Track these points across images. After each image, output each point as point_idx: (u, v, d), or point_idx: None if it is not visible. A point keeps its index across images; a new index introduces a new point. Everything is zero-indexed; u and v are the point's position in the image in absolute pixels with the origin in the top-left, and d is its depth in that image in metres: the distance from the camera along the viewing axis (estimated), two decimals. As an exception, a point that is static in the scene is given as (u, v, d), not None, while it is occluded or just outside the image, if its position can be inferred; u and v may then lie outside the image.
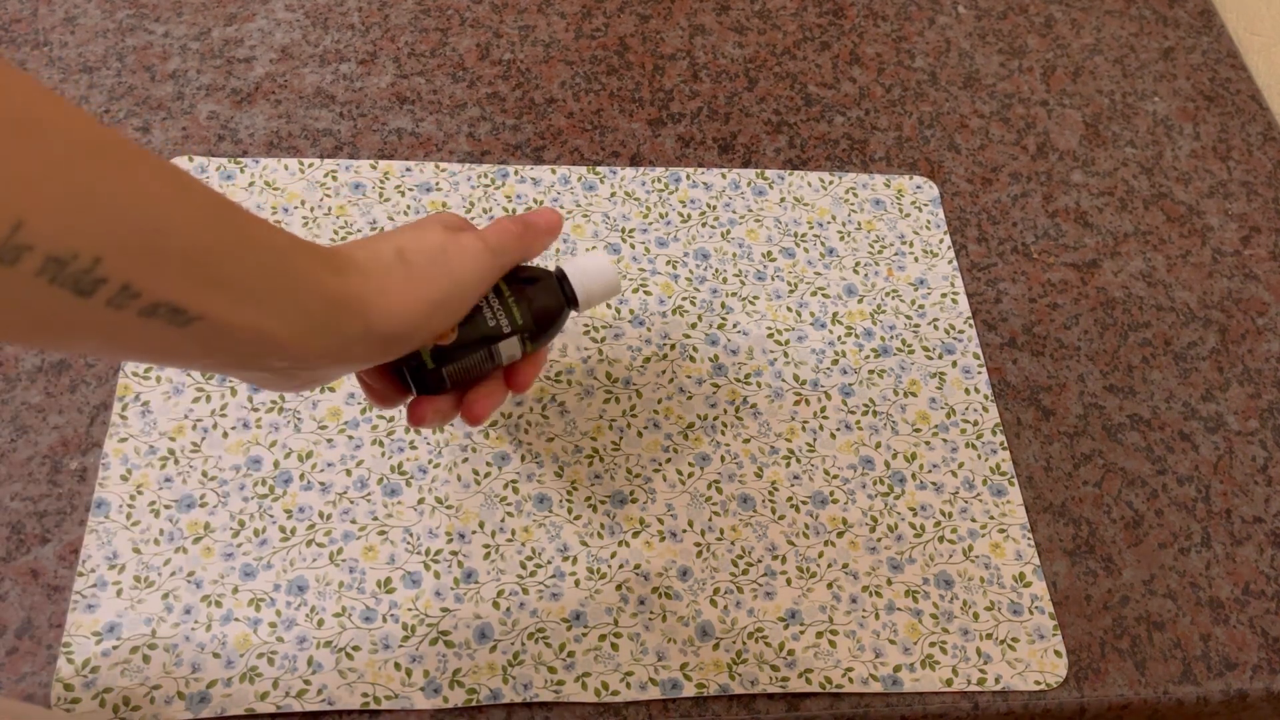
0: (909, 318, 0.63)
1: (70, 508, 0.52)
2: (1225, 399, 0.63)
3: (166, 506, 0.52)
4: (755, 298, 0.63)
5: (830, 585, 0.54)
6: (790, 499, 0.56)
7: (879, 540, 0.55)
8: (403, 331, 0.39)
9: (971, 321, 0.63)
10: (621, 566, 0.53)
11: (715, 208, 0.66)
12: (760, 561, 0.54)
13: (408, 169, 0.64)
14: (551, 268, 0.50)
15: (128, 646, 0.48)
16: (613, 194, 0.65)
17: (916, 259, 0.65)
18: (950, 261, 0.66)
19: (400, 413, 0.56)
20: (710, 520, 0.55)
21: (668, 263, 0.63)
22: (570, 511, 0.54)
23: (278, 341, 0.34)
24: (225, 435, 0.54)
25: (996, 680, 0.52)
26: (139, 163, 0.29)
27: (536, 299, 0.46)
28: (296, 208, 0.62)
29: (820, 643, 0.52)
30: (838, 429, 0.59)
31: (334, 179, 0.63)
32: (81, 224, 0.27)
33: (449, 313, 0.41)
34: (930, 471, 0.58)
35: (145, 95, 0.66)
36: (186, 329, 0.31)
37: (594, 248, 0.59)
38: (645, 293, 0.62)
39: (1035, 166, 0.71)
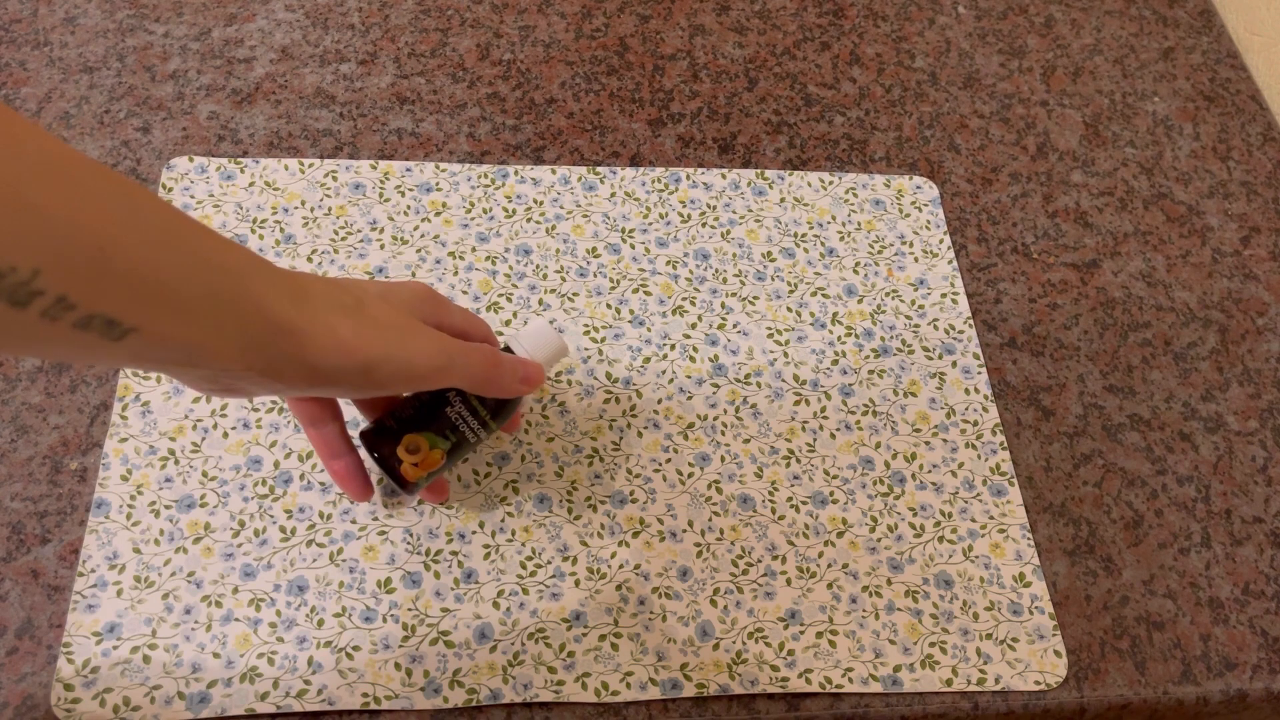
0: (909, 318, 0.63)
1: (70, 508, 0.52)
2: (1225, 399, 0.63)
3: (167, 506, 0.52)
4: (755, 298, 0.63)
5: (830, 585, 0.54)
6: (790, 499, 0.56)
7: (879, 540, 0.55)
8: (333, 373, 0.39)
9: (971, 321, 0.63)
10: (621, 566, 0.53)
11: (715, 208, 0.66)
12: (760, 561, 0.54)
13: (408, 169, 0.64)
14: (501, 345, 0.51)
15: (128, 646, 0.48)
16: (613, 194, 0.65)
17: (916, 259, 0.65)
18: (950, 261, 0.66)
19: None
20: (710, 520, 0.55)
21: (668, 263, 0.63)
22: (570, 511, 0.54)
23: (209, 354, 0.34)
24: (225, 435, 0.54)
25: (996, 680, 0.52)
26: (89, 178, 0.29)
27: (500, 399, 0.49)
28: (296, 208, 0.62)
29: (820, 643, 0.52)
30: (838, 429, 0.59)
31: (334, 179, 0.63)
32: (23, 238, 0.27)
33: (381, 379, 0.41)
34: (930, 471, 0.58)
35: (145, 95, 0.66)
36: (120, 341, 0.31)
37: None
38: (645, 293, 0.62)
39: (1035, 166, 0.71)
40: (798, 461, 0.57)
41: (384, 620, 0.50)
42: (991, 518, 0.57)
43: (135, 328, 0.31)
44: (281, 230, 0.61)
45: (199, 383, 0.38)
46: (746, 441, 0.57)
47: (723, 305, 0.62)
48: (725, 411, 0.58)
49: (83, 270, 0.29)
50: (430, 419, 0.47)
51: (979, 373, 0.61)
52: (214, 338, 0.34)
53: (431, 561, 0.52)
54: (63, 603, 0.49)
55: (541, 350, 0.50)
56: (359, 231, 0.61)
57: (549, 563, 0.53)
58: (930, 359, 0.62)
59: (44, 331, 0.29)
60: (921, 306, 0.64)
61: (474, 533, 0.53)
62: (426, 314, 0.44)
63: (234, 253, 0.35)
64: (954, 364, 0.62)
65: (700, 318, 0.61)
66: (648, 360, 0.59)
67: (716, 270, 0.63)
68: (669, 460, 0.56)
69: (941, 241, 0.66)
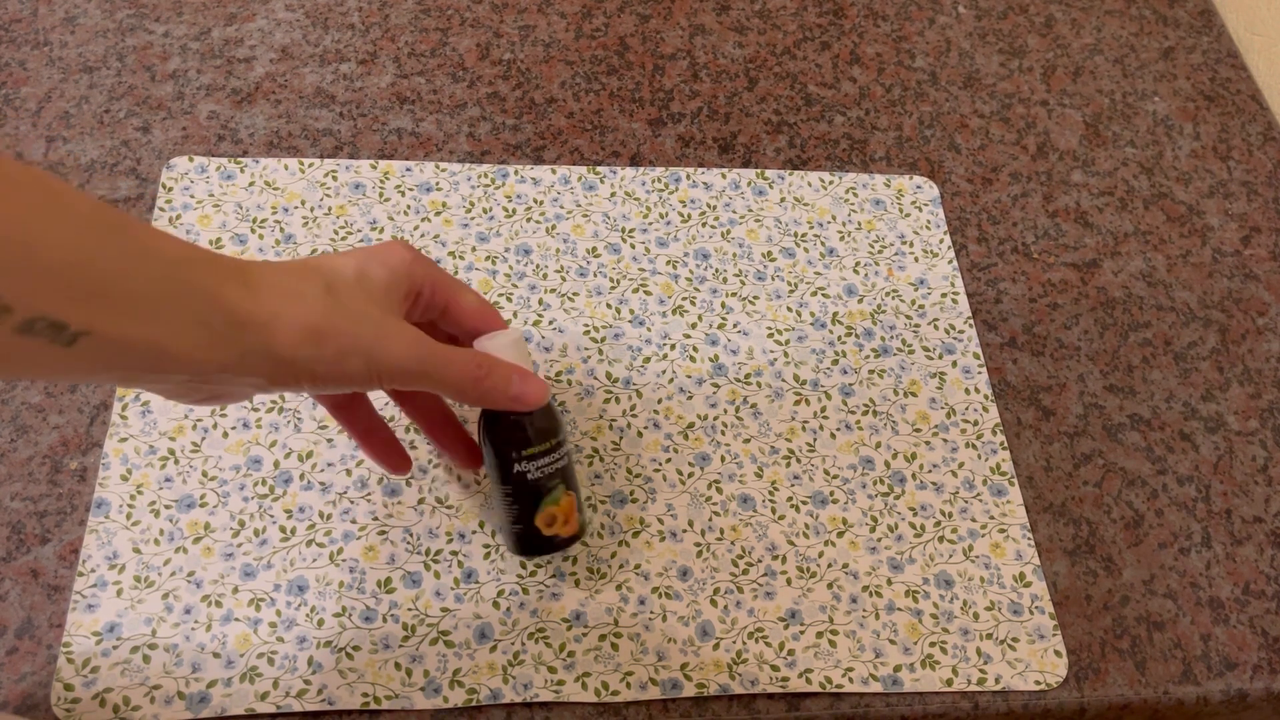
0: (909, 318, 0.63)
1: (70, 508, 0.52)
2: (1225, 399, 0.63)
3: (166, 506, 0.52)
4: (755, 298, 0.63)
5: (830, 585, 0.54)
6: (790, 499, 0.56)
7: (879, 540, 0.55)
8: (307, 365, 0.37)
9: (971, 321, 0.63)
10: (621, 567, 0.53)
11: (715, 208, 0.66)
12: (760, 561, 0.54)
13: (408, 169, 0.64)
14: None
15: (128, 646, 0.48)
16: (613, 194, 0.65)
17: (916, 259, 0.65)
18: (950, 261, 0.66)
19: (400, 413, 0.56)
20: (710, 520, 0.55)
21: (668, 263, 0.63)
22: (570, 511, 0.54)
23: (173, 355, 0.33)
24: (225, 435, 0.54)
25: (996, 680, 0.52)
26: (4, 176, 0.28)
27: (539, 422, 0.47)
28: (296, 208, 0.62)
29: (820, 643, 0.52)
30: (838, 429, 0.59)
31: (334, 179, 0.63)
32: None
33: (353, 373, 0.39)
34: (930, 471, 0.58)
35: (145, 95, 0.66)
36: (73, 347, 0.30)
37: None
38: (645, 293, 0.62)
39: (1035, 166, 0.71)
40: (798, 461, 0.57)
41: (384, 620, 0.50)
42: (992, 517, 0.57)
43: (86, 330, 0.30)
44: (281, 230, 0.61)
45: (180, 392, 0.37)
46: (746, 441, 0.57)
47: (723, 305, 0.62)
48: (725, 411, 0.58)
49: (10, 270, 0.28)
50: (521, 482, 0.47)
51: (979, 372, 0.61)
52: (174, 336, 0.33)
53: (431, 561, 0.52)
54: (63, 603, 0.49)
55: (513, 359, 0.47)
56: (359, 231, 0.61)
57: (549, 563, 0.53)
58: (930, 359, 0.62)
59: None
60: (922, 306, 0.64)
61: (474, 533, 0.53)
62: (413, 288, 0.42)
63: (175, 244, 0.34)
64: (954, 364, 0.62)
65: (700, 317, 0.61)
66: (648, 360, 0.59)
67: (716, 270, 0.63)
68: (669, 460, 0.56)
69: (942, 241, 0.66)
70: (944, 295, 0.64)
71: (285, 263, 0.39)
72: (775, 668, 0.51)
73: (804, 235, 0.65)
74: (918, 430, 0.59)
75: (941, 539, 0.56)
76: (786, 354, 0.61)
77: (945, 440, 0.59)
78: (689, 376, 0.59)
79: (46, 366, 0.31)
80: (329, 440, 0.55)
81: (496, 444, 0.47)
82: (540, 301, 0.60)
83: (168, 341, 0.33)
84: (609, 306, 0.61)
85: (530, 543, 0.48)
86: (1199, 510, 0.59)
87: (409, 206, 0.63)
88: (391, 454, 0.50)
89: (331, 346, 0.37)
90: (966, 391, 0.61)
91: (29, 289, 0.28)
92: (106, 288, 0.31)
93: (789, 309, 0.62)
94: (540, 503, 0.47)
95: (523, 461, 0.46)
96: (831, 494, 0.56)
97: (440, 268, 0.43)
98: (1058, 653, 0.53)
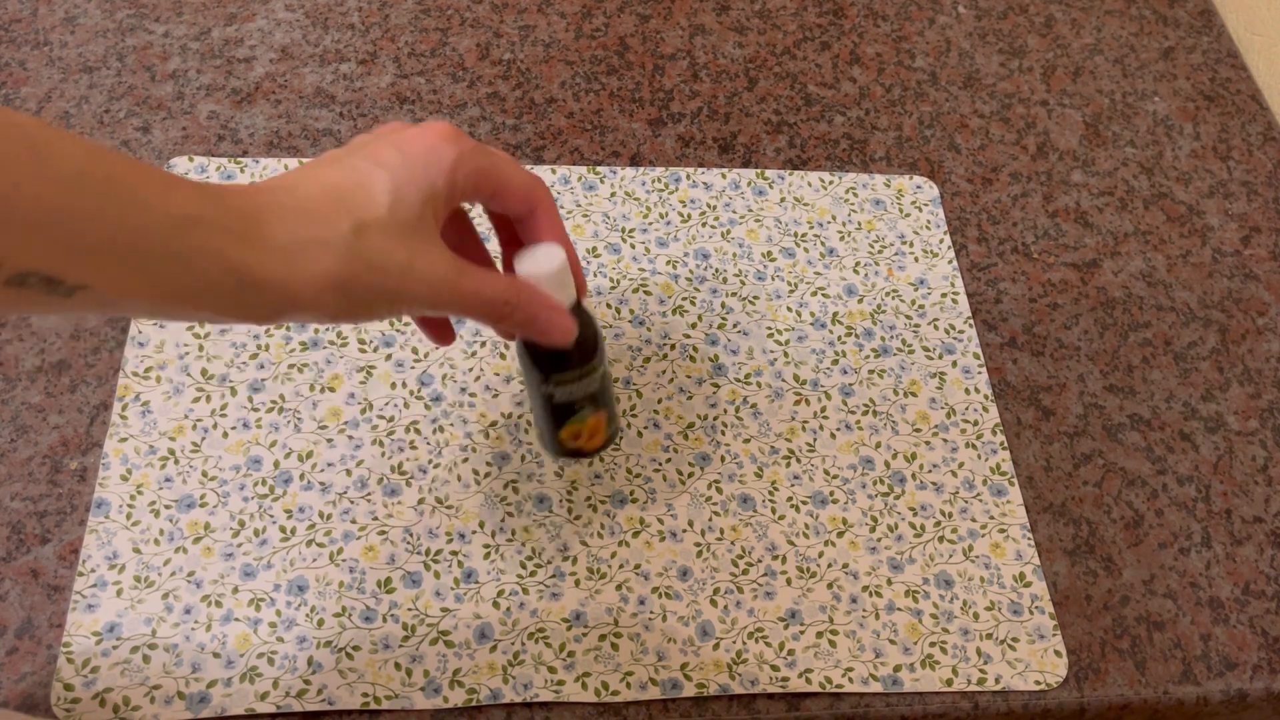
0: (909, 318, 0.63)
1: (70, 508, 0.52)
2: (1225, 399, 0.63)
3: (166, 506, 0.52)
4: (755, 298, 0.63)
5: (830, 585, 0.54)
6: (790, 499, 0.56)
7: (879, 540, 0.55)
8: (328, 311, 0.36)
9: (971, 321, 0.63)
10: (621, 566, 0.53)
11: (715, 208, 0.66)
12: (760, 561, 0.54)
13: (408, 169, 0.64)
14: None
15: (128, 646, 0.48)
16: (613, 194, 0.65)
17: (916, 259, 0.65)
18: (950, 261, 0.66)
19: (400, 414, 0.56)
20: (710, 520, 0.55)
21: (668, 263, 0.63)
22: (570, 511, 0.54)
23: (186, 309, 0.32)
24: (225, 435, 0.54)
25: (996, 680, 0.52)
26: None
27: (569, 351, 0.45)
28: (296, 208, 0.62)
29: (820, 643, 0.52)
30: (838, 429, 0.59)
31: (334, 179, 0.63)
32: None
33: (382, 314, 0.38)
34: (930, 471, 0.58)
35: (145, 95, 0.66)
36: (73, 297, 0.29)
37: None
38: (645, 293, 0.62)
39: (1035, 166, 0.71)
40: (798, 461, 0.57)
41: (384, 620, 0.50)
42: (992, 517, 0.57)
43: (83, 285, 0.29)
44: (281, 230, 0.61)
45: (228, 321, 0.35)
46: (746, 441, 0.57)
47: (723, 305, 0.62)
48: (725, 411, 0.58)
49: None
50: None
51: (979, 372, 0.61)
52: (183, 294, 0.32)
53: (431, 561, 0.52)
54: (63, 603, 0.49)
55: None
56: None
57: (549, 563, 0.53)
58: (930, 359, 0.62)
59: None
60: (921, 306, 0.64)
61: (474, 533, 0.53)
62: (455, 194, 0.39)
63: (178, 198, 0.31)
64: (954, 364, 0.62)
65: (700, 317, 0.61)
66: (648, 360, 0.59)
67: (716, 270, 0.63)
68: (669, 460, 0.56)
69: (941, 241, 0.66)
70: (944, 295, 0.64)
71: (309, 197, 0.35)
72: (775, 668, 0.51)
73: (804, 235, 0.65)
74: (918, 430, 0.59)
75: (941, 539, 0.56)
76: (786, 354, 0.61)
77: (945, 440, 0.59)
78: (689, 376, 0.59)
79: (52, 310, 0.30)
80: (329, 440, 0.55)
81: (528, 361, 0.46)
82: (540, 301, 0.60)
83: (176, 298, 0.32)
84: (609, 306, 0.61)
85: (555, 448, 0.49)
86: (1199, 510, 0.59)
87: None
88: (438, 324, 0.47)
89: (356, 296, 0.36)
90: (966, 391, 0.61)
91: (14, 245, 0.27)
92: (99, 246, 0.29)
93: (789, 309, 0.62)
94: (566, 420, 0.47)
95: (549, 384, 0.46)
96: (831, 494, 0.56)
97: (485, 151, 0.40)
98: (1058, 653, 0.53)
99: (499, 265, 0.47)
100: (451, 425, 0.56)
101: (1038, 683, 0.52)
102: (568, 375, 0.46)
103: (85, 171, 0.29)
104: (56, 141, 0.29)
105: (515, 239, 0.44)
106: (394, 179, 0.37)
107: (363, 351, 0.58)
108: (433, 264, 0.37)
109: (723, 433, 0.58)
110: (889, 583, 0.54)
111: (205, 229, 0.32)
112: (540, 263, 0.42)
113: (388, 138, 0.39)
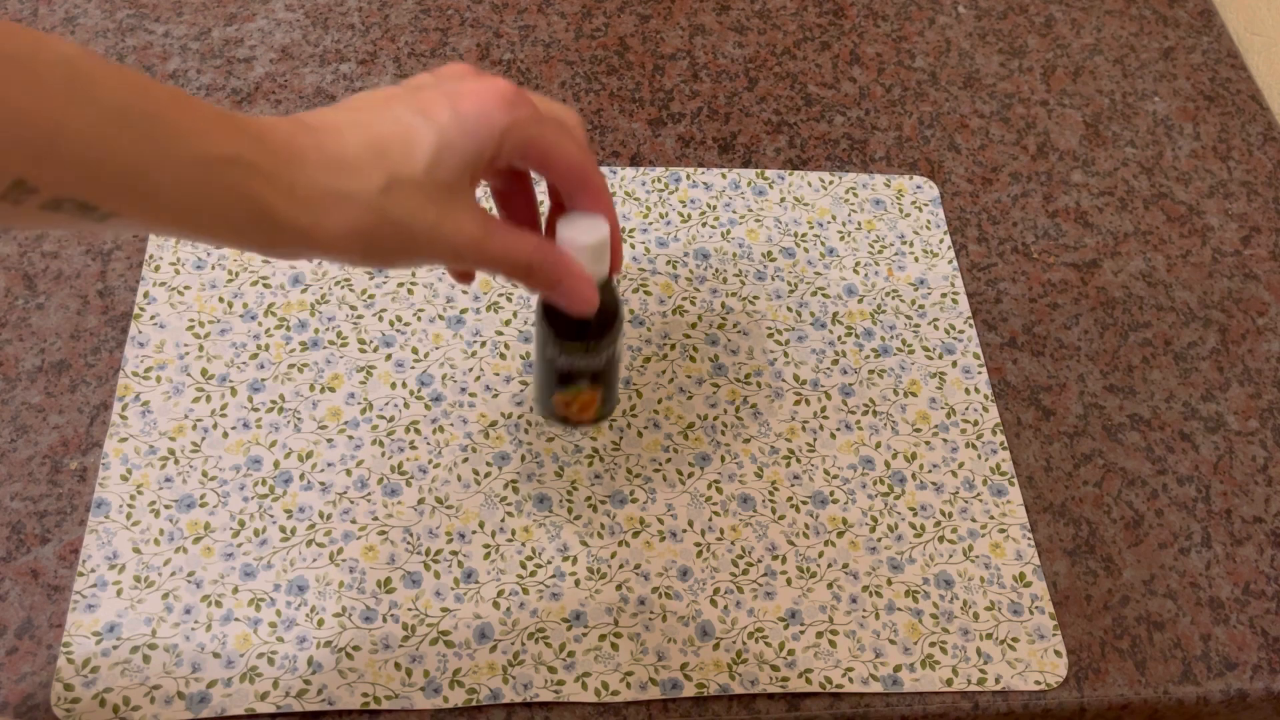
0: (909, 318, 0.63)
1: (70, 508, 0.52)
2: (1225, 399, 0.63)
3: (166, 506, 0.52)
4: (755, 298, 0.63)
5: (830, 585, 0.54)
6: (790, 499, 0.56)
7: (879, 540, 0.55)
8: (349, 259, 0.36)
9: (971, 321, 0.63)
10: (621, 566, 0.53)
11: (715, 208, 0.66)
12: (760, 561, 0.54)
13: (408, 169, 0.64)
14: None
15: (128, 646, 0.48)
16: (613, 194, 0.65)
17: (916, 259, 0.65)
18: (950, 261, 0.66)
19: (400, 414, 0.56)
20: (710, 520, 0.55)
21: (668, 263, 0.63)
22: (570, 511, 0.54)
23: (209, 237, 0.33)
24: (225, 435, 0.54)
25: (996, 680, 0.52)
26: (30, 60, 0.28)
27: (583, 323, 0.46)
28: (296, 208, 0.62)
29: (820, 643, 0.52)
30: (838, 429, 0.59)
31: (334, 179, 0.63)
32: None
33: (400, 264, 0.38)
34: (930, 471, 0.58)
35: (145, 95, 0.65)
36: (106, 222, 0.30)
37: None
38: (645, 293, 0.62)
39: (1035, 166, 0.71)
40: (798, 461, 0.57)
41: (384, 620, 0.50)
42: (992, 517, 0.57)
43: (114, 213, 0.30)
44: (281, 230, 0.61)
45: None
46: (746, 441, 0.57)
47: (723, 305, 0.62)
48: (725, 411, 0.58)
49: (30, 156, 0.28)
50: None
51: (979, 372, 0.61)
52: (212, 229, 0.33)
53: (431, 561, 0.52)
54: (63, 603, 0.49)
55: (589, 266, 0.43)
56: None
57: (549, 563, 0.53)
58: (930, 359, 0.62)
59: (11, 213, 0.29)
60: (922, 306, 0.64)
61: (474, 533, 0.53)
62: (500, 156, 0.38)
63: (217, 136, 0.32)
64: (954, 364, 0.62)
65: (700, 317, 0.61)
66: (648, 360, 0.59)
67: (716, 270, 0.63)
68: (669, 460, 0.56)
69: (941, 241, 0.66)
70: (944, 295, 0.64)
71: (349, 144, 0.35)
72: (775, 668, 0.51)
73: (804, 235, 0.65)
74: (918, 430, 0.59)
75: (941, 539, 0.56)
76: (786, 354, 0.61)
77: (945, 440, 0.59)
78: (689, 376, 0.59)
79: (82, 230, 0.31)
80: (329, 440, 0.55)
81: (543, 319, 0.46)
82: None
83: (202, 230, 0.33)
84: (609, 306, 0.61)
85: (545, 409, 0.50)
86: (1199, 510, 0.59)
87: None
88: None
89: (376, 248, 0.36)
90: (966, 391, 0.61)
91: (52, 174, 0.28)
92: (134, 180, 0.30)
93: (789, 309, 0.62)
94: (562, 387, 0.48)
95: (557, 348, 0.47)
96: (831, 494, 0.56)
97: (539, 121, 0.39)
98: (1058, 653, 0.53)
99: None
100: (451, 425, 0.56)
101: (1038, 683, 0.52)
102: (577, 346, 0.46)
103: (128, 105, 0.30)
104: (101, 75, 0.30)
105: (562, 203, 0.44)
106: (439, 139, 0.36)
107: (363, 351, 0.58)
108: (460, 225, 0.37)
109: (723, 433, 0.58)
110: (889, 583, 0.54)
111: (240, 170, 0.32)
112: (579, 232, 0.42)
113: (446, 86, 0.38)
